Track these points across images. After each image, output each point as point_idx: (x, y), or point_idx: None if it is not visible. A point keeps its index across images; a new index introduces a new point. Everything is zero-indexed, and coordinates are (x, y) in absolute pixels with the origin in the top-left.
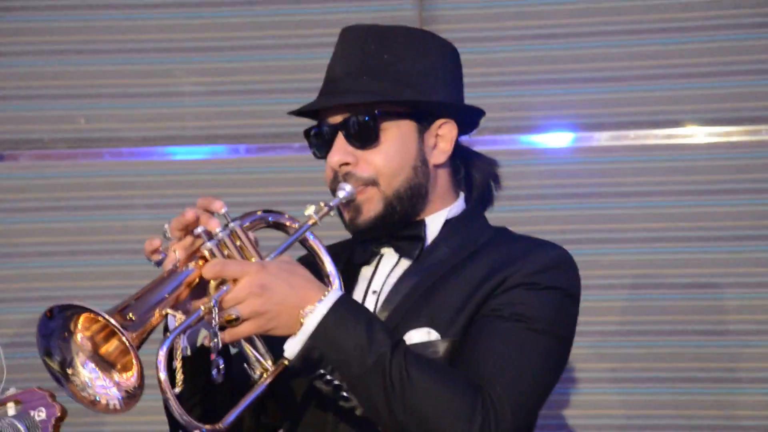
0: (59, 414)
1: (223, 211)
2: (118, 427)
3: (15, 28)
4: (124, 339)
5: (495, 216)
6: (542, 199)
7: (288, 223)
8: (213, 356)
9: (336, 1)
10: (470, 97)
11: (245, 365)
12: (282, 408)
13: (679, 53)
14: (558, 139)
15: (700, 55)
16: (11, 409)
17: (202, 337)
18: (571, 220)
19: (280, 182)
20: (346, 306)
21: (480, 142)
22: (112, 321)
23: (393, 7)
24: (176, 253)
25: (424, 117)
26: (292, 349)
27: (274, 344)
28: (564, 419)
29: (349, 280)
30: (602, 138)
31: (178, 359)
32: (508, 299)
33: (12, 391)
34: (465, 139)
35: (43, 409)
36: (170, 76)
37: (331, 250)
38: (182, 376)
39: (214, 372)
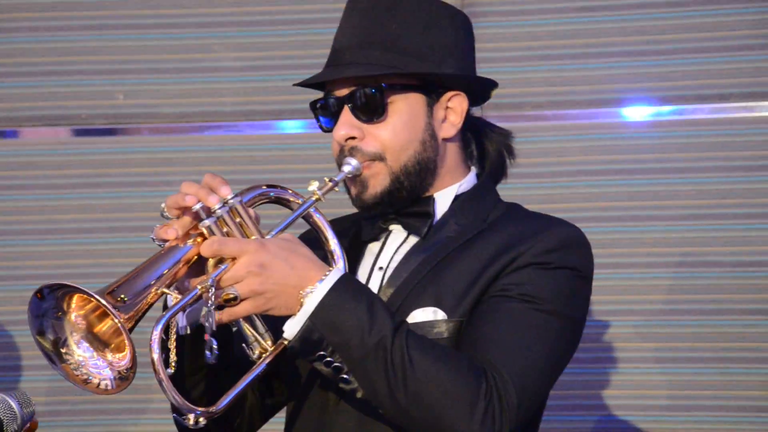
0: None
1: (222, 188)
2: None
3: (53, 3)
4: (115, 320)
5: (529, 194)
6: (585, 175)
7: (291, 199)
8: (207, 336)
9: None
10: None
11: (244, 345)
12: (287, 388)
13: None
14: (603, 114)
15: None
16: None
17: (203, 317)
18: (613, 197)
19: (321, 159)
20: (347, 286)
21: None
22: (103, 302)
23: None
24: (174, 230)
25: (433, 89)
26: (291, 329)
27: (276, 324)
28: (605, 399)
29: (356, 256)
30: (645, 114)
31: (172, 339)
32: (517, 279)
33: None
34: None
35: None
36: (208, 51)
37: (339, 224)
38: (175, 357)
39: (208, 353)
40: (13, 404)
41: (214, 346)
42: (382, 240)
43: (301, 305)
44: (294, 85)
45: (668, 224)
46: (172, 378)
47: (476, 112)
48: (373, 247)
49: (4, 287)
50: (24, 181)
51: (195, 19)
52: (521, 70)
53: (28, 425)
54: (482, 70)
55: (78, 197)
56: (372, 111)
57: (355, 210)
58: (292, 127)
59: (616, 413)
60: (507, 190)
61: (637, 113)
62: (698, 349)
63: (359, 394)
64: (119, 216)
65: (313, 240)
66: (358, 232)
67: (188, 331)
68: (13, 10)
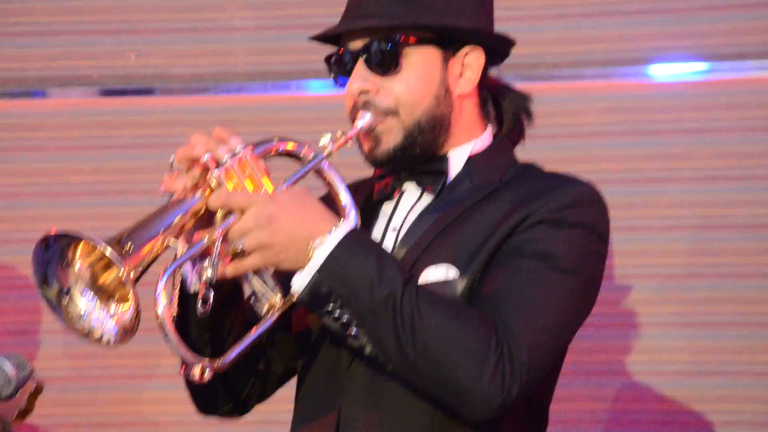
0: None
1: (232, 140)
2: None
3: None
4: (120, 270)
5: (543, 155)
6: (600, 136)
7: (303, 153)
8: (202, 286)
9: None
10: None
11: (252, 301)
12: (298, 345)
13: None
14: (618, 74)
15: None
16: None
17: (205, 267)
18: (629, 158)
19: (336, 120)
20: (356, 239)
21: None
22: (107, 250)
23: None
24: (183, 182)
25: (449, 44)
26: (299, 283)
27: (287, 279)
28: (625, 365)
29: (370, 217)
30: (661, 73)
31: (176, 292)
32: (531, 236)
33: None
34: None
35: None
36: (221, 10)
37: (352, 187)
38: (179, 309)
39: (200, 304)
40: (7, 368)
41: (210, 297)
42: (396, 199)
43: (310, 258)
44: (309, 38)
45: (685, 186)
46: (181, 335)
47: (493, 72)
48: (386, 208)
49: (18, 250)
50: (34, 143)
51: None
52: (537, 30)
53: (33, 388)
54: (498, 29)
55: (89, 159)
56: (386, 64)
57: (367, 171)
58: (306, 87)
59: (633, 378)
60: (523, 151)
61: (654, 72)
62: (716, 313)
63: (368, 350)
64: (131, 178)
65: (328, 200)
66: (371, 191)
67: (197, 287)
68: None
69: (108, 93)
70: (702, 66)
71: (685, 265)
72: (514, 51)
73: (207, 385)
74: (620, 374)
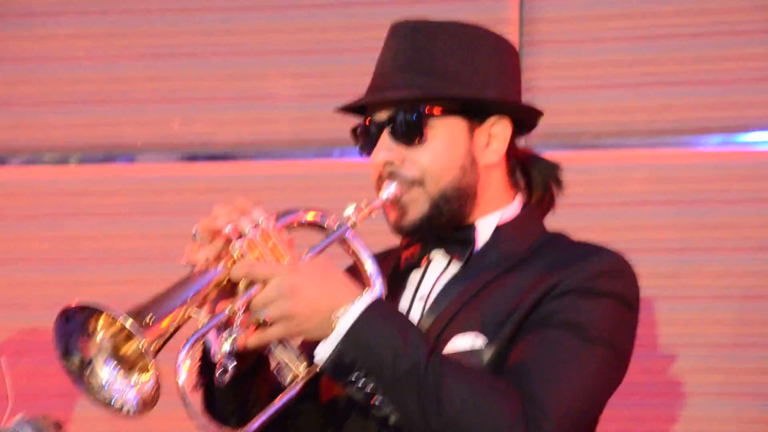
0: None
1: (255, 211)
2: None
3: (109, 32)
4: (140, 342)
5: (584, 224)
6: (642, 205)
7: (326, 223)
8: (221, 357)
9: (434, 3)
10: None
11: (275, 371)
12: (325, 415)
13: None
14: (661, 144)
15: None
16: None
17: (225, 337)
18: (675, 227)
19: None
20: (380, 309)
21: None
22: (126, 323)
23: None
24: (205, 253)
25: (474, 114)
26: (323, 353)
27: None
28: None
29: (397, 285)
30: (705, 143)
31: (197, 362)
32: (559, 306)
33: (19, 418)
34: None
35: None
36: (264, 79)
37: (379, 256)
38: (204, 379)
39: (219, 374)
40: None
41: (230, 368)
42: (423, 268)
43: (333, 328)
44: (335, 110)
45: (731, 256)
46: (207, 404)
47: (523, 141)
48: (413, 276)
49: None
50: (78, 209)
51: (251, 47)
52: (579, 99)
53: None
54: (539, 99)
55: (133, 225)
56: (411, 135)
57: (394, 239)
58: (349, 154)
59: None
60: (565, 220)
61: (697, 142)
62: (765, 383)
63: (393, 420)
64: (174, 243)
65: (355, 270)
66: (399, 260)
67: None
68: (71, 38)
69: (152, 159)
70: (748, 136)
71: (732, 335)
72: (558, 120)
73: None
74: None
